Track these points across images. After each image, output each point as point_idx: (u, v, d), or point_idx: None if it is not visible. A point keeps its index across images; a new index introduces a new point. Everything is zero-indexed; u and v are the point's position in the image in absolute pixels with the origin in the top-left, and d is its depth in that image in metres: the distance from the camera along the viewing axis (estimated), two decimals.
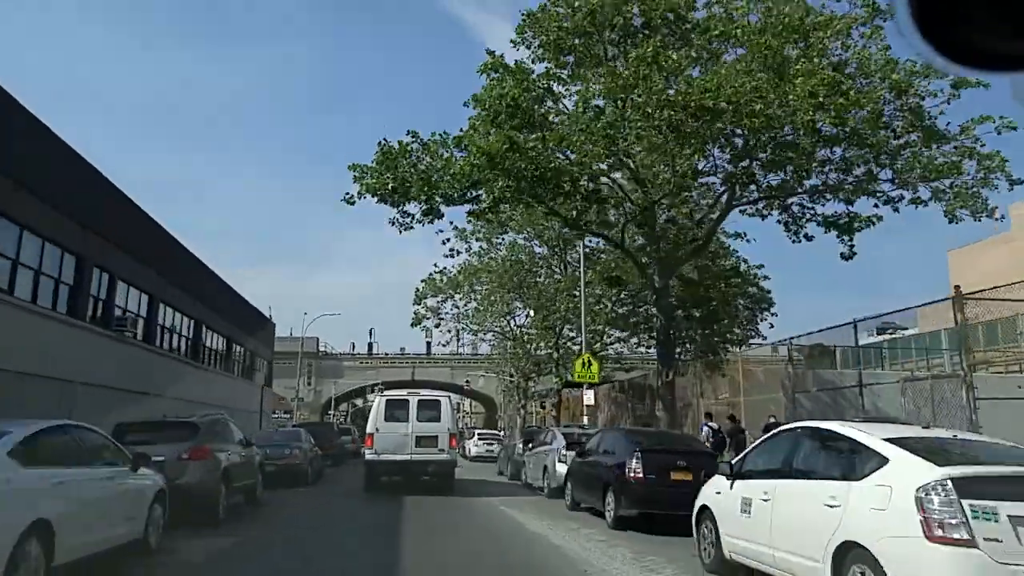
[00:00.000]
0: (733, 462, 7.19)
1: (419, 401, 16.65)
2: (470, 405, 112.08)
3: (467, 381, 59.60)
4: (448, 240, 30.36)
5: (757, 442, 7.31)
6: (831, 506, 5.33)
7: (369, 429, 16.46)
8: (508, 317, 36.08)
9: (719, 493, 7.19)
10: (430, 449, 15.96)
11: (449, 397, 18.16)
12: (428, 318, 31.50)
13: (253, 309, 43.89)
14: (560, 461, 15.54)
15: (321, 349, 73.00)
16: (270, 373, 49.00)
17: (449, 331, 35.98)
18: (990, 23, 1.25)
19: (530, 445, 18.90)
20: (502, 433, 39.49)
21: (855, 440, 5.68)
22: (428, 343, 73.88)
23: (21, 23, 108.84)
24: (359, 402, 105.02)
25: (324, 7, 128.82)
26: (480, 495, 16.87)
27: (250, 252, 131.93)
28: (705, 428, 21.84)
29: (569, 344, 30.34)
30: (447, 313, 36.25)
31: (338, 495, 16.61)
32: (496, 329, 37.26)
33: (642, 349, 30.16)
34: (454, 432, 16.78)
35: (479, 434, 36.43)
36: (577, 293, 24.81)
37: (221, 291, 36.21)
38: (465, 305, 35.58)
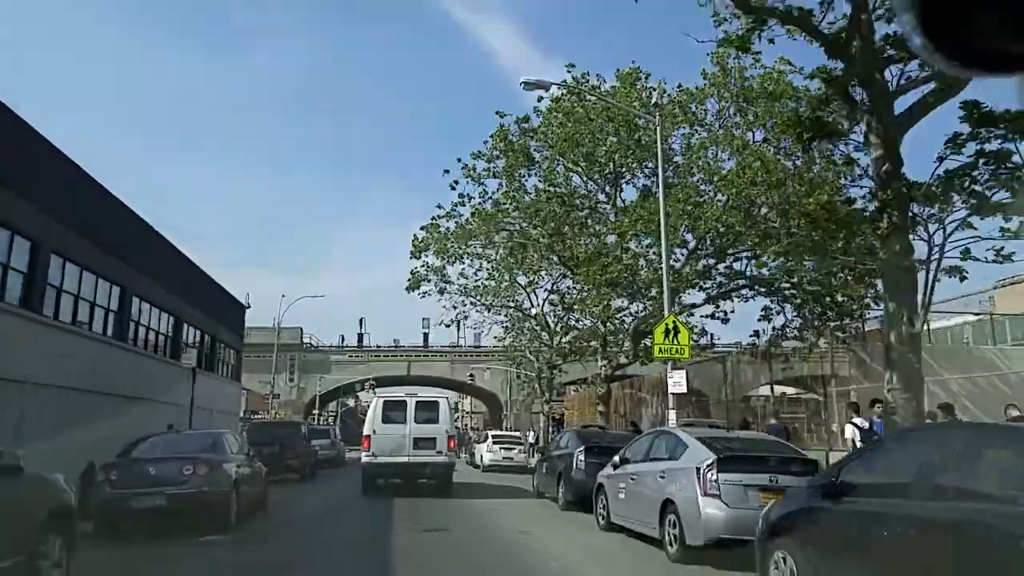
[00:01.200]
0: None
1: (417, 402, 16.31)
2: (470, 404, 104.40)
3: (471, 375, 51.82)
4: (456, 183, 22.64)
5: None
6: None
7: (366, 431, 16.03)
8: (530, 289, 28.36)
9: None
10: (428, 451, 15.65)
11: (447, 398, 17.81)
12: (429, 279, 23.22)
13: (214, 284, 36.09)
14: (710, 494, 7.85)
15: (306, 341, 65.24)
16: (239, 364, 41.15)
17: (454, 307, 28.31)
18: (995, 25, 1.20)
19: (616, 460, 11.01)
20: (521, 434, 31.65)
21: None
22: (425, 334, 66.27)
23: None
24: (351, 402, 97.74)
25: (316, 8, 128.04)
26: (541, 557, 9.19)
27: (247, 253, 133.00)
28: (851, 428, 14.63)
29: (621, 317, 22.64)
30: (451, 282, 28.51)
31: (267, 560, 8.73)
32: (513, 304, 29.50)
33: (716, 323, 22.02)
34: (452, 434, 16.40)
35: (494, 437, 28.40)
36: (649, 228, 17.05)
37: (167, 256, 28.43)
38: (476, 272, 27.89)
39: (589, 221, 20.83)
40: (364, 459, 15.81)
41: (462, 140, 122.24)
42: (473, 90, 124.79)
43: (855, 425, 14.43)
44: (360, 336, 66.50)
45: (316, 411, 60.06)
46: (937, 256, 9.58)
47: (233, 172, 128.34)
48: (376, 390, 48.95)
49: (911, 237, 9.34)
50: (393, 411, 15.93)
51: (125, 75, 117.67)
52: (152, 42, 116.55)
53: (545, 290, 28.35)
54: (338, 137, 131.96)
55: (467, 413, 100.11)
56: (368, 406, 19.08)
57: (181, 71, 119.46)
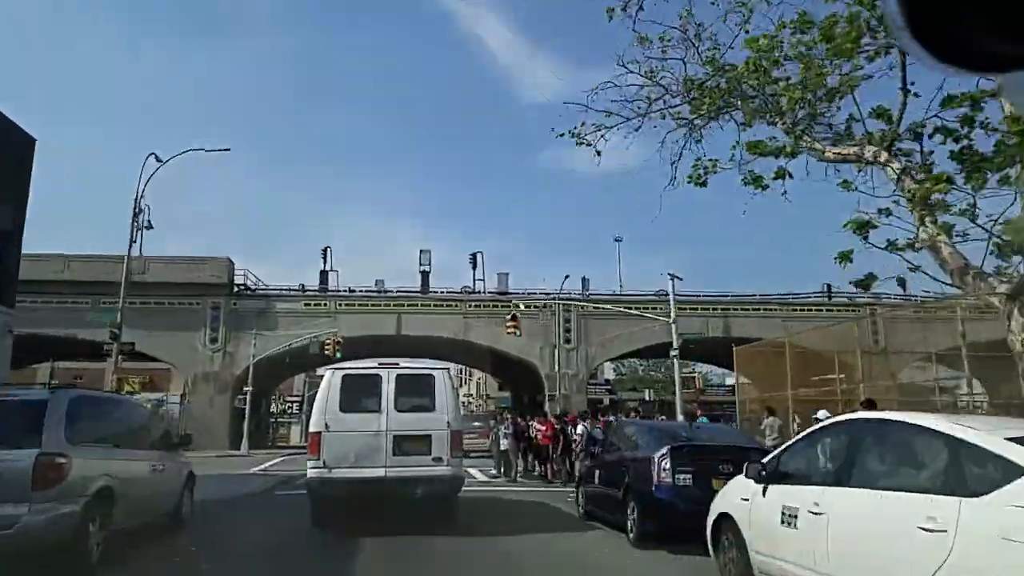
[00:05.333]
0: None
1: (398, 377, 10.60)
2: (477, 385, 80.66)
3: (512, 318, 28.79)
4: None
5: None
6: None
7: (314, 426, 10.26)
8: None
9: None
10: (418, 458, 10.08)
11: (447, 369, 11.56)
12: None
13: None
14: None
15: (239, 282, 42.29)
16: (10, 271, 18.05)
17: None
18: (981, 24, 1.17)
19: None
20: None
21: None
22: (424, 273, 43.41)
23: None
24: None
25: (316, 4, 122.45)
26: None
27: (245, 246, 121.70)
28: None
29: None
30: None
31: None
32: None
33: None
34: (458, 427, 10.41)
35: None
36: None
37: None
38: None
39: None
40: (311, 472, 10.04)
41: (460, 138, 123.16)
42: (464, 84, 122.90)
43: None
44: (323, 274, 43.14)
45: (249, 388, 37.14)
46: None
47: (232, 166, 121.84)
48: (343, 361, 28.95)
49: None
50: (359, 392, 10.38)
51: (118, 63, 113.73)
52: (148, 31, 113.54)
53: None
54: (335, 132, 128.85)
55: (470, 398, 76.30)
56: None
57: (180, 65, 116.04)
